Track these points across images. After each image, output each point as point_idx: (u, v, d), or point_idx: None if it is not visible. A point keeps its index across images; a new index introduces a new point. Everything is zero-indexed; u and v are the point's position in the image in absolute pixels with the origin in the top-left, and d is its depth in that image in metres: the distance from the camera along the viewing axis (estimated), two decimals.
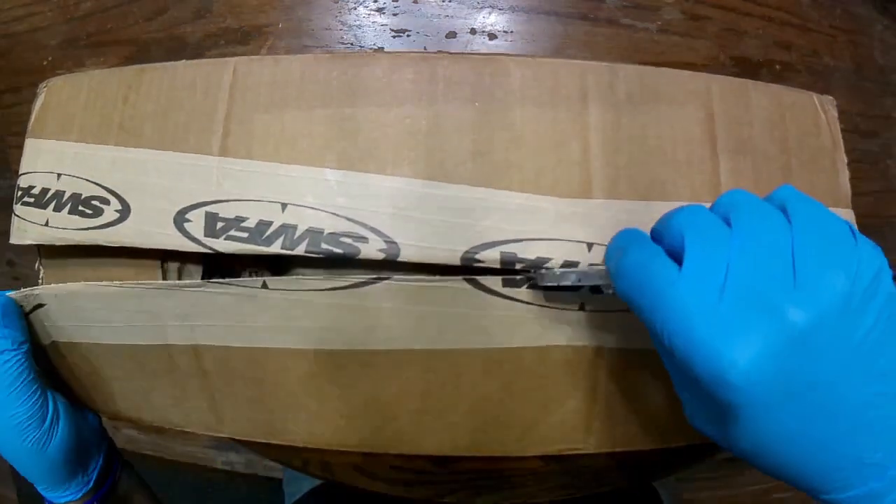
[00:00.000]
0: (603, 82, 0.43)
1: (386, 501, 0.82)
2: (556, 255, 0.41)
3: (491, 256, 0.41)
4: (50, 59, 0.87)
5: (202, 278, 0.49)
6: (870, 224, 0.87)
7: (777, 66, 0.80)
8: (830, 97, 0.47)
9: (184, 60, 0.46)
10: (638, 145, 0.43)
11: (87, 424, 0.54)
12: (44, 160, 0.49)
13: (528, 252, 0.41)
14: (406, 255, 0.41)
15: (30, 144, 0.50)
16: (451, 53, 0.45)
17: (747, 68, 0.79)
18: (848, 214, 0.45)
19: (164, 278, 0.48)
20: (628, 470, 0.82)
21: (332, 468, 0.83)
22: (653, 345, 0.38)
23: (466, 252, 0.41)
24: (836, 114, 0.46)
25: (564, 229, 0.41)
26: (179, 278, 0.48)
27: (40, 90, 0.51)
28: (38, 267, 0.52)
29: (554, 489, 0.83)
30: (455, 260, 0.41)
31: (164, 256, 0.48)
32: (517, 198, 0.42)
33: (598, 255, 0.41)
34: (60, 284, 0.47)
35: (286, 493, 0.94)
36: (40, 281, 0.52)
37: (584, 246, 0.41)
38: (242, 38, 0.79)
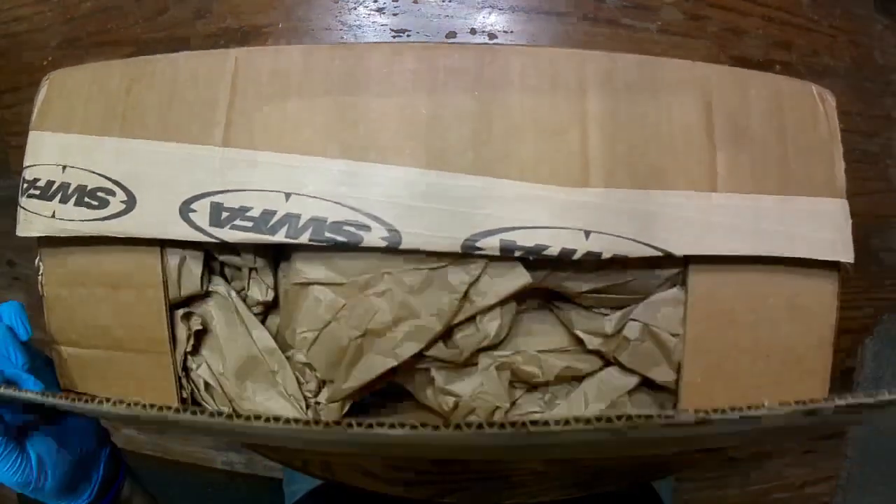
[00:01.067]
0: (602, 71, 0.43)
1: (386, 501, 0.82)
2: (554, 242, 0.41)
3: (491, 244, 0.41)
4: (50, 59, 0.87)
5: (203, 267, 0.49)
6: (870, 224, 0.87)
7: (777, 66, 0.81)
8: (828, 90, 0.47)
9: (185, 52, 0.46)
10: (636, 134, 0.43)
11: (78, 454, 0.54)
12: (48, 152, 0.49)
13: (528, 240, 0.41)
14: (407, 242, 0.41)
15: (33, 137, 0.50)
16: (451, 43, 0.45)
17: (747, 68, 0.80)
18: (843, 205, 0.46)
19: (164, 267, 0.48)
20: (628, 470, 0.82)
21: (332, 468, 0.83)
22: None
23: (467, 240, 0.41)
24: (834, 104, 0.46)
25: (563, 217, 0.41)
26: (181, 267, 0.48)
27: (42, 83, 0.51)
28: (38, 263, 0.52)
29: (554, 489, 0.83)
30: (456, 248, 0.41)
31: (162, 244, 0.48)
32: (516, 186, 0.42)
33: (595, 243, 0.41)
34: None
35: (286, 493, 0.95)
36: (40, 277, 0.52)
37: (582, 234, 0.41)
38: (242, 38, 0.79)
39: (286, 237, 0.42)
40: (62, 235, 0.47)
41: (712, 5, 0.79)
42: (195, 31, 0.81)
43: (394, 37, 0.77)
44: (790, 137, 0.45)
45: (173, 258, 0.48)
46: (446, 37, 0.76)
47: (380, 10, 0.77)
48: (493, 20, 0.77)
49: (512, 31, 0.77)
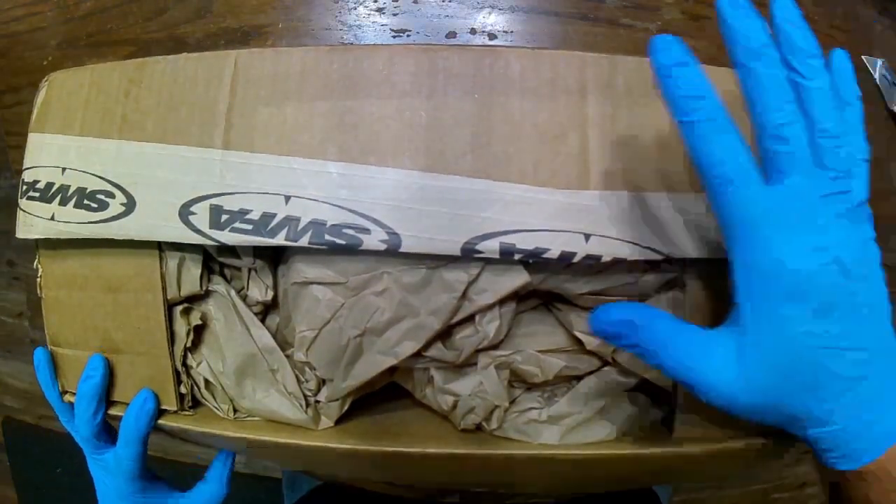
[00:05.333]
0: (602, 74, 0.43)
1: (386, 501, 0.82)
2: (553, 245, 0.41)
3: (490, 247, 0.41)
4: (50, 59, 0.87)
5: (202, 268, 0.49)
6: None
7: None
8: None
9: (185, 53, 0.46)
10: (636, 137, 0.43)
11: None
12: (47, 155, 0.49)
13: (527, 243, 0.41)
14: (407, 245, 0.41)
15: (33, 139, 0.50)
16: (450, 46, 0.45)
17: None
18: None
19: (163, 269, 0.48)
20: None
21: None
22: None
23: (466, 243, 0.41)
24: None
25: (563, 220, 0.41)
26: (179, 270, 0.48)
27: (42, 85, 0.51)
28: (37, 265, 0.52)
29: (556, 489, 0.83)
30: (455, 251, 0.41)
31: (161, 246, 0.48)
32: (516, 189, 0.42)
33: (595, 246, 0.41)
34: None
35: (286, 494, 0.94)
36: (38, 279, 0.52)
37: (582, 237, 0.41)
38: (242, 38, 0.79)
39: (286, 240, 0.42)
40: (61, 238, 0.47)
41: (712, 5, 0.78)
42: (195, 31, 0.81)
43: (394, 37, 0.77)
44: None
45: (172, 259, 0.48)
46: (446, 37, 0.76)
47: (380, 10, 0.77)
48: (493, 20, 0.77)
49: (512, 31, 0.77)
